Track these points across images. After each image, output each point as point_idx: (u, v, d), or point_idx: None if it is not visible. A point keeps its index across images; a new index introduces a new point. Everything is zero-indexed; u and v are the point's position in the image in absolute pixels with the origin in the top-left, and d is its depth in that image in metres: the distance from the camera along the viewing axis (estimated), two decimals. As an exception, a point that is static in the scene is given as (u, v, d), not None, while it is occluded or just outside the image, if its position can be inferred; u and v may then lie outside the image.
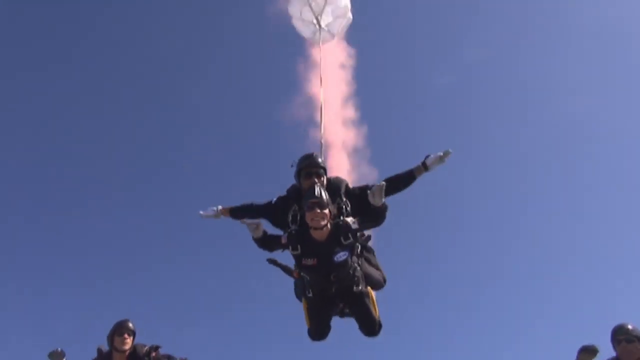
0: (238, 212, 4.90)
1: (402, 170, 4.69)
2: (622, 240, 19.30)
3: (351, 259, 4.45)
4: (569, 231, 19.95)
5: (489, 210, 20.76)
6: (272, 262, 6.66)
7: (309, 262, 4.40)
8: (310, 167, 4.73)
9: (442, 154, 4.57)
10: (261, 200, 4.97)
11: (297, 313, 4.94)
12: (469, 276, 19.50)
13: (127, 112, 21.87)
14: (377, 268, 5.14)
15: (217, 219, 4.91)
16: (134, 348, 5.22)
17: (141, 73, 21.82)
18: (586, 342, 4.63)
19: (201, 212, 4.91)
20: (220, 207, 4.93)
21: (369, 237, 5.11)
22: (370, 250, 5.14)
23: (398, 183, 4.63)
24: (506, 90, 21.26)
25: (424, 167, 4.61)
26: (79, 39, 21.27)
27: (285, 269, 6.68)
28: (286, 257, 4.80)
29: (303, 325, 4.86)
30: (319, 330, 4.76)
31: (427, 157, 4.62)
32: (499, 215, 20.63)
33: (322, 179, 4.71)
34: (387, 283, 5.16)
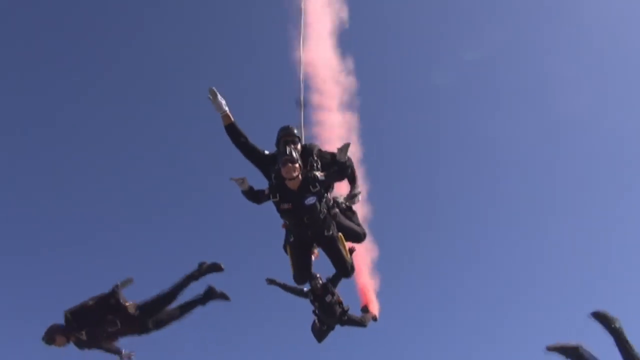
0: (235, 130, 5.66)
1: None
2: (619, 237, 19.67)
3: (320, 204, 5.53)
4: (569, 230, 20.21)
5: (487, 209, 20.84)
6: (271, 281, 8.28)
7: (285, 206, 5.52)
8: (287, 136, 5.82)
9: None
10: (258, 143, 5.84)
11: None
12: (464, 275, 19.85)
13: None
14: (358, 224, 6.32)
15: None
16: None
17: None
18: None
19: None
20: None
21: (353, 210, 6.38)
22: (351, 211, 6.36)
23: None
24: (504, 89, 21.32)
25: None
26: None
27: (284, 286, 8.26)
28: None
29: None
30: (301, 273, 5.89)
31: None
32: (497, 214, 20.89)
33: (297, 145, 5.77)
34: (366, 237, 6.34)
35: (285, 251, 5.99)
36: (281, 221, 5.90)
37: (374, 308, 9.07)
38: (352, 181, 5.89)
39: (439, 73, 19.78)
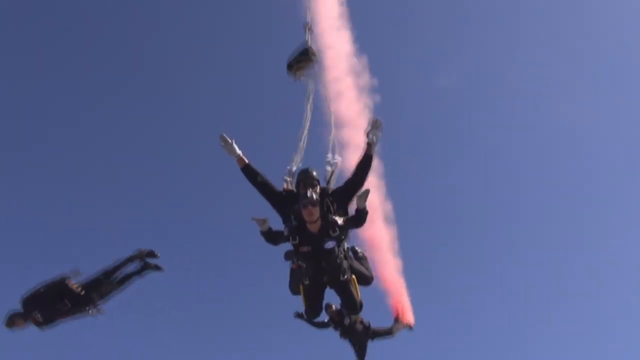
0: (250, 171, 5.82)
1: (358, 158, 5.77)
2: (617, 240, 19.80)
3: (338, 249, 5.58)
4: (567, 229, 20.57)
5: (486, 210, 21.16)
6: (298, 315, 8.63)
7: (305, 249, 5.55)
8: (307, 179, 5.94)
9: (373, 127, 5.67)
10: (272, 179, 5.97)
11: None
12: (461, 275, 20.20)
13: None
14: (367, 269, 6.46)
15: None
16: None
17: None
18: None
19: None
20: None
21: (365, 257, 6.64)
22: (364, 258, 6.57)
23: (363, 170, 5.70)
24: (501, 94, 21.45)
25: (368, 143, 5.70)
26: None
27: (314, 323, 8.63)
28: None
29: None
30: (312, 310, 6.06)
31: (367, 135, 5.69)
32: (495, 215, 21.30)
33: (316, 188, 5.85)
34: (373, 281, 6.51)
35: (291, 291, 6.08)
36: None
37: (408, 316, 9.08)
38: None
39: (442, 74, 20.02)
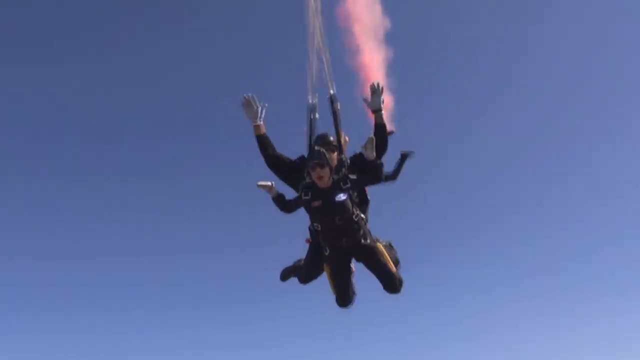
0: (265, 141, 5.75)
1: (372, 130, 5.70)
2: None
3: (352, 203, 5.46)
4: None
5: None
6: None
7: (316, 203, 5.47)
8: (324, 145, 5.80)
9: (373, 94, 5.67)
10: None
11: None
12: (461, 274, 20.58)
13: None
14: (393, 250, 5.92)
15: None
16: None
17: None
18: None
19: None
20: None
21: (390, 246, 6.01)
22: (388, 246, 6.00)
23: (380, 140, 5.58)
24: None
25: (373, 112, 5.72)
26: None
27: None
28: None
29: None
30: (344, 294, 5.68)
31: (366, 103, 5.74)
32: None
33: (333, 153, 5.80)
34: (400, 263, 5.92)
35: (304, 275, 5.90)
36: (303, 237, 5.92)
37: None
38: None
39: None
